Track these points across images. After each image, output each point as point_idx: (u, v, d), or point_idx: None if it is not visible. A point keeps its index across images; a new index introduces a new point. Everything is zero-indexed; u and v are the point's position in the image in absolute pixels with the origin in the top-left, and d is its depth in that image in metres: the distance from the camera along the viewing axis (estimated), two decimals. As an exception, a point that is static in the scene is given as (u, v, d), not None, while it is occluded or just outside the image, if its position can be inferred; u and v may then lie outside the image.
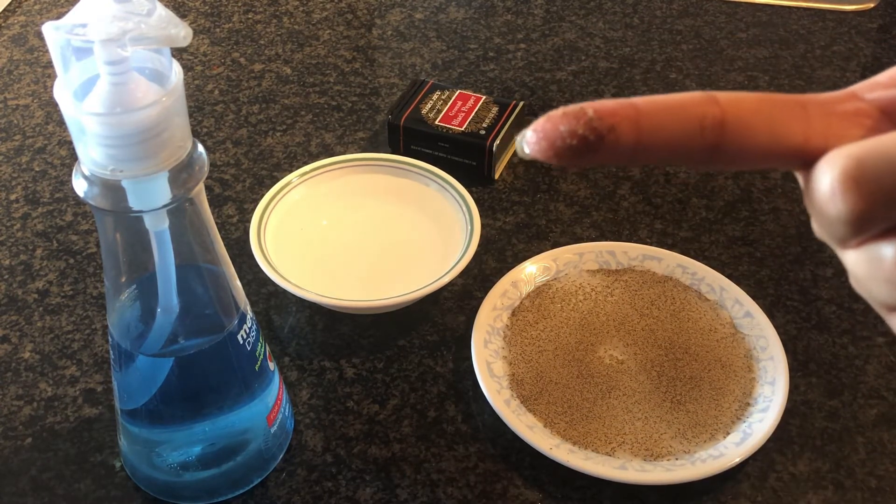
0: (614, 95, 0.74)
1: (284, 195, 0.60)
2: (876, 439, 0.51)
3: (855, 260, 0.24)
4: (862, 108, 0.26)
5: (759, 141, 0.24)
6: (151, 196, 0.36)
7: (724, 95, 0.24)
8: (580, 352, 0.54)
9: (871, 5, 0.86)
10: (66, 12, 0.33)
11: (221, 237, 0.43)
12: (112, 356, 0.44)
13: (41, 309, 0.58)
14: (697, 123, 0.24)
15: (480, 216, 0.58)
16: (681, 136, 0.24)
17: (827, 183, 0.23)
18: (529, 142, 0.24)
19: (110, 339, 0.44)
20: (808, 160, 0.24)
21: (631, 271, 0.58)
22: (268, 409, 0.48)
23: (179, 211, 0.38)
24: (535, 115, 0.78)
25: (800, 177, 0.25)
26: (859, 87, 0.27)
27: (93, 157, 0.35)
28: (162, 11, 0.33)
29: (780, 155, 0.24)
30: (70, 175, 0.46)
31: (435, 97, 0.68)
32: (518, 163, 0.69)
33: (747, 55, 0.79)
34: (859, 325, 0.57)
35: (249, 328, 0.45)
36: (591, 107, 0.24)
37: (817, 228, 0.25)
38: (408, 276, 0.57)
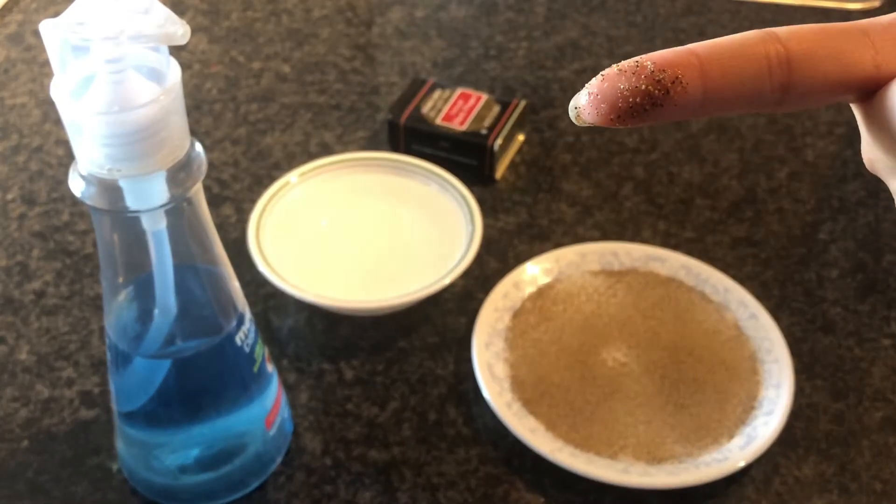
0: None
1: (283, 195, 0.60)
2: (881, 442, 0.51)
3: None
4: None
5: (829, 73, 0.23)
6: (149, 196, 0.36)
7: (783, 31, 0.23)
8: (583, 354, 0.54)
9: (877, 4, 0.85)
10: (64, 10, 0.32)
11: (220, 237, 0.42)
12: (109, 358, 0.44)
13: (38, 310, 0.57)
14: (765, 63, 0.22)
15: (482, 216, 0.58)
16: (749, 78, 0.22)
17: None
18: (586, 106, 0.22)
19: (107, 340, 0.43)
20: (877, 88, 0.23)
21: (634, 272, 0.58)
22: (266, 411, 0.47)
23: (177, 211, 0.38)
24: (537, 114, 0.78)
25: (856, 107, 0.24)
26: None
27: (90, 156, 0.35)
28: (160, 9, 0.32)
29: (851, 86, 0.23)
30: (67, 175, 0.45)
31: (436, 96, 0.68)
32: (520, 162, 0.68)
33: (750, 54, 0.78)
34: (865, 326, 0.57)
35: (248, 330, 0.44)
36: (649, 59, 0.22)
37: (880, 156, 0.24)
38: (408, 276, 0.56)
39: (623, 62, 0.22)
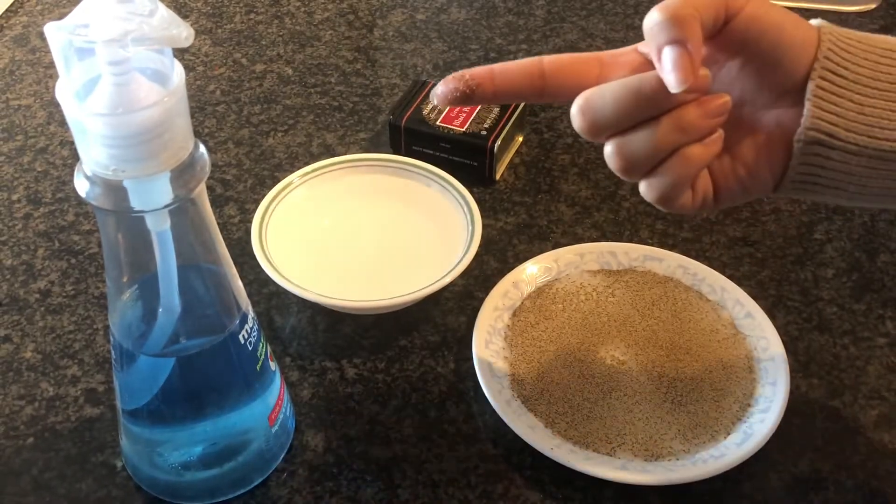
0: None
1: (286, 195, 0.60)
2: (877, 440, 0.51)
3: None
4: (633, 59, 0.40)
5: (568, 84, 0.39)
6: (153, 196, 0.36)
7: (548, 58, 0.39)
8: (581, 352, 0.54)
9: (873, 6, 0.86)
10: (69, 13, 0.33)
11: (223, 237, 0.43)
12: (114, 356, 0.44)
13: (43, 309, 0.58)
14: (528, 78, 0.39)
15: (481, 216, 0.58)
16: (519, 86, 0.39)
17: (572, 109, 0.38)
18: (436, 96, 0.40)
19: (112, 338, 0.44)
20: None
21: (632, 272, 0.58)
22: (269, 409, 0.48)
23: (181, 211, 0.38)
24: (536, 116, 0.78)
25: None
26: (642, 42, 0.39)
27: (95, 157, 0.35)
28: (164, 12, 0.33)
29: (581, 91, 0.38)
30: (72, 175, 0.46)
31: (436, 98, 0.68)
32: (519, 163, 0.69)
33: (749, 56, 0.79)
34: (860, 325, 0.57)
35: (251, 328, 0.45)
36: (468, 73, 0.39)
37: None
38: (409, 276, 0.57)
39: (456, 72, 0.39)
